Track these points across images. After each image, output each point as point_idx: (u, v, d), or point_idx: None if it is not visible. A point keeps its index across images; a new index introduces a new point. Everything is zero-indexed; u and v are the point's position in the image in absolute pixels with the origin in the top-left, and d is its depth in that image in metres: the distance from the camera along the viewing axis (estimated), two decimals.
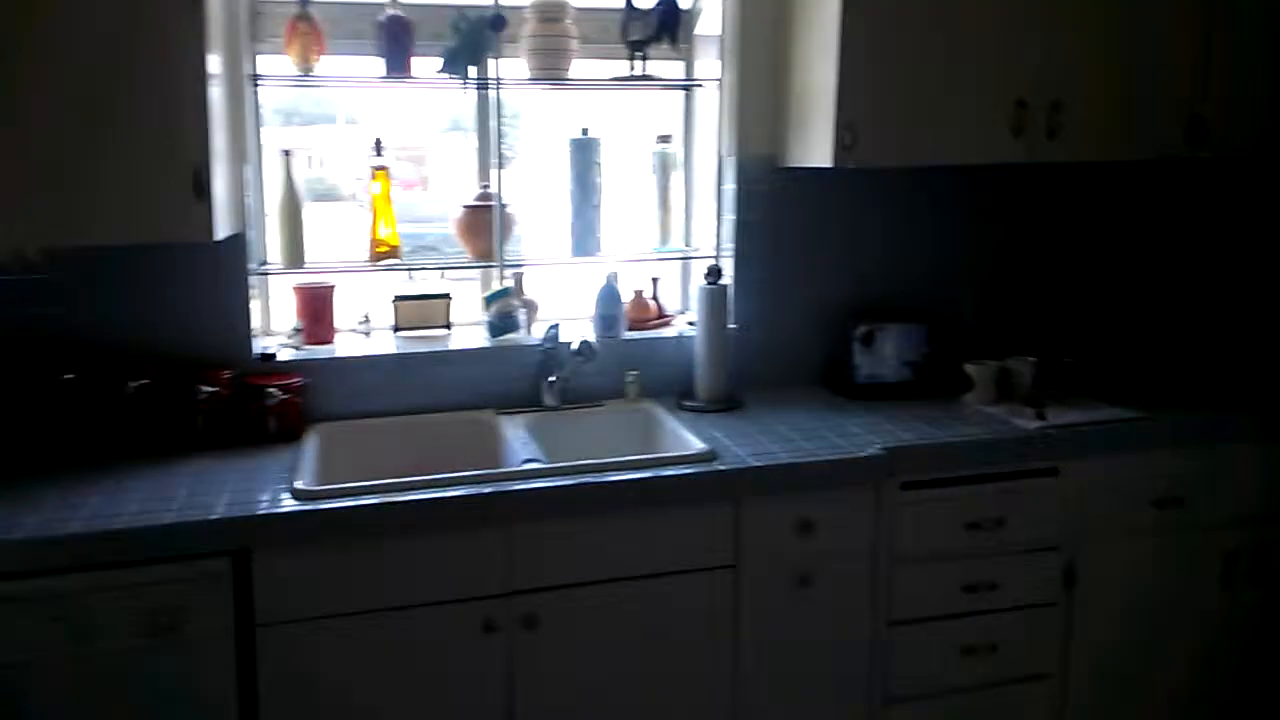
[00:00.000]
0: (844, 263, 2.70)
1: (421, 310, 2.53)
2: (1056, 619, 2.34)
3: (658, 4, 2.46)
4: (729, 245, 2.64)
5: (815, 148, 2.38)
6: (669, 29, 2.48)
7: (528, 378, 2.46)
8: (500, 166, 2.52)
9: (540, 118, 2.87)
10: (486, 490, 1.92)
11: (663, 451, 2.19)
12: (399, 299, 2.52)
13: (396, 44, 2.35)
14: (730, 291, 2.56)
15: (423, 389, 2.40)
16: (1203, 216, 2.91)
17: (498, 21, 2.37)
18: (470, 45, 2.38)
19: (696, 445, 2.15)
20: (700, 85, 2.67)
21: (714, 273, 2.50)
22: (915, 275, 2.76)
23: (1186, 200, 2.92)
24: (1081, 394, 2.50)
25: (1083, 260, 2.87)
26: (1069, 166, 2.70)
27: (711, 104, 2.65)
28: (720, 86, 2.60)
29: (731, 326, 2.57)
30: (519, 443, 2.18)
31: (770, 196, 2.62)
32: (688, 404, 2.48)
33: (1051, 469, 2.29)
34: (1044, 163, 2.49)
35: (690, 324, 2.63)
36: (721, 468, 2.06)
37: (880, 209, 2.71)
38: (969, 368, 2.53)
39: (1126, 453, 2.33)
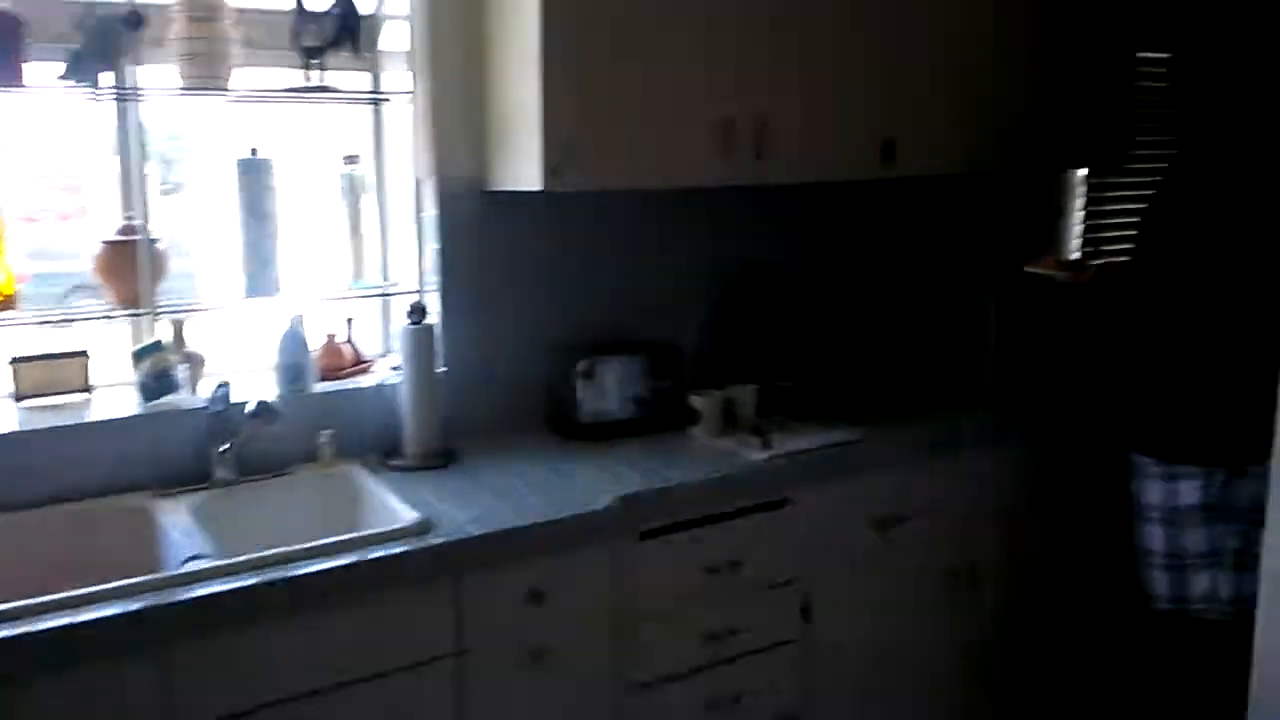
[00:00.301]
0: (563, 292, 2.51)
1: (51, 372, 2.05)
2: (797, 656, 2.27)
3: (334, 6, 2.15)
4: (434, 278, 2.36)
5: (522, 169, 2.16)
6: (349, 35, 2.17)
7: (193, 447, 2.05)
8: (145, 194, 2.09)
9: (209, 138, 2.46)
10: (135, 607, 1.52)
11: (366, 527, 1.88)
12: (18, 360, 2.03)
13: (4, 45, 1.88)
14: (438, 330, 2.29)
15: (54, 473, 1.93)
16: (914, 234, 3.02)
17: (133, 19, 1.96)
18: (100, 46, 1.96)
19: (406, 516, 1.85)
20: (388, 99, 2.37)
21: (418, 310, 2.21)
22: (639, 303, 2.62)
23: (903, 218, 3.00)
24: (804, 418, 2.46)
25: (805, 281, 2.85)
26: (794, 187, 2.68)
27: (405, 120, 2.36)
28: (413, 100, 2.32)
29: (441, 370, 2.30)
30: (181, 535, 1.77)
31: (477, 223, 2.37)
32: (395, 463, 2.18)
33: (781, 500, 2.22)
34: (756, 185, 2.44)
35: (394, 369, 2.32)
36: (437, 540, 1.79)
37: (599, 233, 2.55)
38: (694, 399, 2.42)
39: (851, 475, 2.31)
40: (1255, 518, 2.07)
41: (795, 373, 2.64)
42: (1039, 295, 2.65)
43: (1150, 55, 2.98)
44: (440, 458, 2.20)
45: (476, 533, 1.82)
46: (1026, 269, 2.37)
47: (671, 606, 2.08)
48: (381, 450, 2.22)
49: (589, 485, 2.06)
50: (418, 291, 2.37)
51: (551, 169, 2.09)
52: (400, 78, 2.34)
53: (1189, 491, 2.15)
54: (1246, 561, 2.10)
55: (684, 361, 2.58)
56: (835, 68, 2.41)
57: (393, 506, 1.92)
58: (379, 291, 2.43)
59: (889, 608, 2.41)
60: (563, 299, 2.52)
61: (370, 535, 1.78)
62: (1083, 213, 3.47)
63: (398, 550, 1.74)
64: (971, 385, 2.71)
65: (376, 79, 2.37)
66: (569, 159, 2.09)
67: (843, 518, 2.31)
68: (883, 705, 2.45)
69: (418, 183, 2.36)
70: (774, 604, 2.23)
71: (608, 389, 2.43)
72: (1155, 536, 2.23)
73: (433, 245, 2.35)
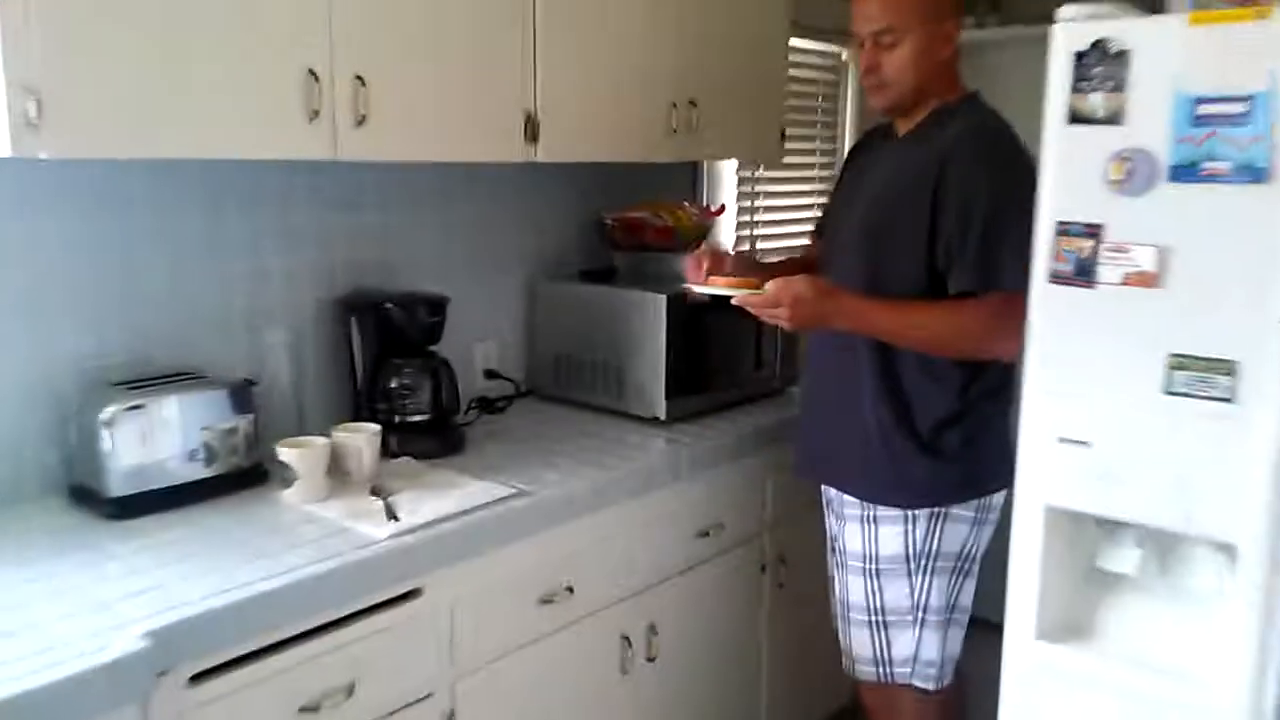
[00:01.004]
0: (88, 306, 1.77)
1: None
2: None
3: None
4: None
5: None
6: None
7: None
8: None
9: None
10: None
11: None
12: None
13: None
14: None
15: None
16: (561, 232, 2.54)
17: None
18: None
19: None
20: None
21: None
22: (204, 320, 1.92)
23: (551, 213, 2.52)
24: (443, 464, 1.93)
25: (435, 285, 2.26)
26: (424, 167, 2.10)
27: None
28: None
29: None
30: None
31: None
32: None
33: (412, 590, 1.64)
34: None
35: None
36: None
37: (139, 223, 1.82)
38: (285, 452, 1.75)
39: (506, 544, 1.78)
40: (962, 566, 1.84)
41: (433, 404, 2.06)
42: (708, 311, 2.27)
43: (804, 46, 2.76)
44: None
45: None
46: (694, 288, 1.95)
47: None
48: None
49: (118, 607, 1.35)
50: None
51: (26, 124, 1.34)
52: None
53: (890, 538, 1.85)
54: (953, 618, 1.85)
55: (271, 397, 1.92)
56: (461, 17, 1.88)
57: None
58: None
59: (552, 696, 1.91)
60: (86, 315, 1.77)
61: None
62: (734, 208, 3.21)
63: None
64: (644, 410, 2.29)
65: None
66: (58, 110, 1.36)
67: (494, 601, 1.77)
68: None
69: None
70: None
71: (157, 440, 1.71)
72: (856, 588, 1.92)
73: None
